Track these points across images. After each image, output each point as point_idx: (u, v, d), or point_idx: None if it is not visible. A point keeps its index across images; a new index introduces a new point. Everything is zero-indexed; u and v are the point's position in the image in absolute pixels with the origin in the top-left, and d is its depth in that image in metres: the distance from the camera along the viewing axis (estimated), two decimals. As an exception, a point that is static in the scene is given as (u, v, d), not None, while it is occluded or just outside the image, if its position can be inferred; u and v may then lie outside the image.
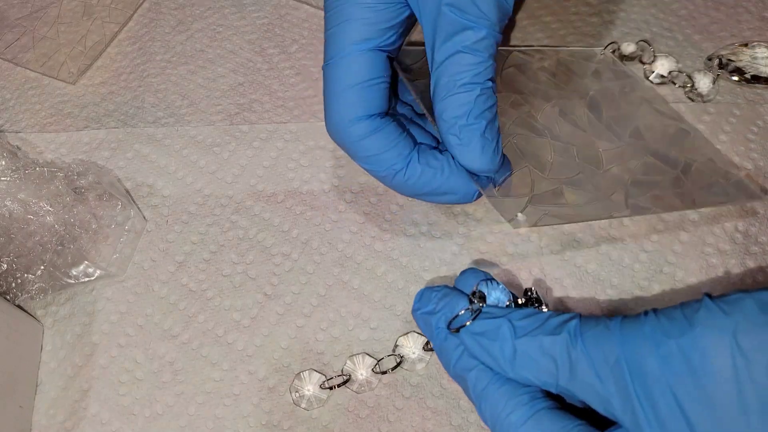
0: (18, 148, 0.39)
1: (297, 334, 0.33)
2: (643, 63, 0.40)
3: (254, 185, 0.37)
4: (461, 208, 0.35)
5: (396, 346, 0.31)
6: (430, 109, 0.30)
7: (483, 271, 0.29)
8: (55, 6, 0.45)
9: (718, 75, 0.38)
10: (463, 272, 0.30)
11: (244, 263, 0.35)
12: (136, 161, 0.38)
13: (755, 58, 0.39)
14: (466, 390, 0.27)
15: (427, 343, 0.31)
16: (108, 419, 0.31)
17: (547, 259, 0.34)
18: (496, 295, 0.28)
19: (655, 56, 0.40)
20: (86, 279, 0.34)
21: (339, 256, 0.35)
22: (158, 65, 0.42)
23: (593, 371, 0.23)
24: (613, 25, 0.42)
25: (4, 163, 0.34)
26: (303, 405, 0.30)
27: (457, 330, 0.27)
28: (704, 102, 0.38)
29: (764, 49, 0.39)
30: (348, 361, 0.31)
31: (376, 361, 0.31)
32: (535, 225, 0.30)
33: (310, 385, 0.31)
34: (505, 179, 0.31)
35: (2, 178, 0.33)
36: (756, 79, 0.38)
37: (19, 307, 0.33)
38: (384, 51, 0.30)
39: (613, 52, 0.40)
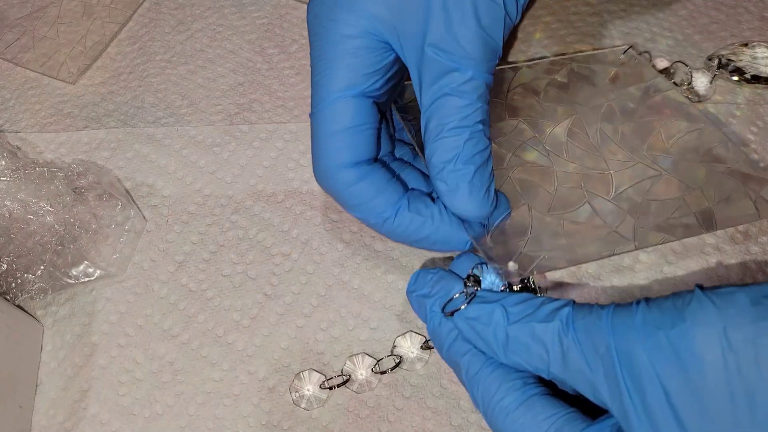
0: (18, 148, 0.39)
1: (297, 334, 0.33)
2: (676, 84, 0.38)
3: (254, 185, 0.37)
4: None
5: (394, 346, 0.31)
6: (423, 151, 0.29)
7: (479, 256, 0.29)
8: (55, 6, 0.45)
9: (716, 75, 0.38)
10: (459, 256, 0.30)
11: (243, 263, 0.35)
12: (135, 161, 0.38)
13: (755, 58, 0.39)
14: (458, 374, 0.27)
15: (426, 342, 0.31)
16: (108, 419, 0.31)
17: (547, 259, 0.34)
18: (491, 279, 0.28)
19: (691, 76, 0.38)
20: (86, 279, 0.34)
21: (339, 256, 0.35)
22: (158, 65, 0.42)
23: (584, 359, 0.23)
24: (613, 25, 0.42)
25: (3, 163, 0.34)
26: (303, 405, 0.30)
27: (452, 314, 0.27)
28: (700, 101, 0.38)
29: (764, 49, 0.39)
30: (348, 361, 0.31)
31: (375, 361, 0.31)
32: (528, 275, 0.28)
33: (310, 385, 0.31)
34: (500, 222, 0.30)
35: (2, 178, 0.33)
36: (756, 79, 0.38)
37: (18, 307, 0.33)
38: (370, 97, 0.29)
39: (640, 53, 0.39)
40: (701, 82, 0.38)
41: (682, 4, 0.43)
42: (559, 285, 0.33)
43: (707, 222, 0.30)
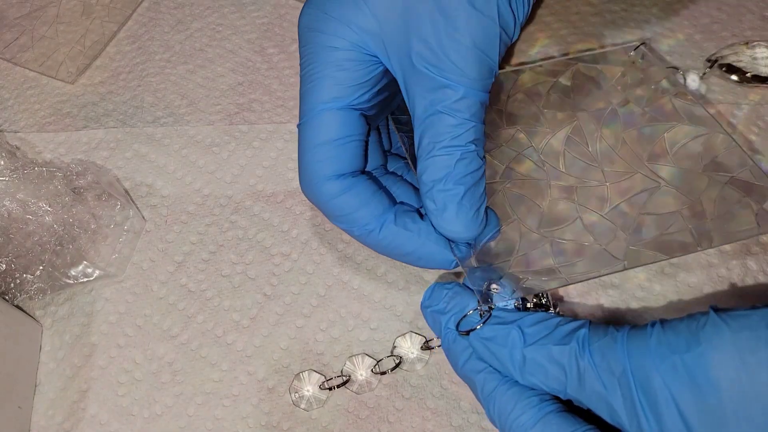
0: (17, 147, 0.39)
1: (296, 334, 0.32)
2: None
3: (254, 185, 0.37)
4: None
5: (394, 347, 0.31)
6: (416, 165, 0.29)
7: (494, 270, 0.29)
8: (54, 5, 0.45)
9: (704, 73, 0.38)
10: (473, 269, 0.29)
11: (243, 263, 0.35)
12: (135, 161, 0.38)
13: (755, 58, 0.39)
14: (474, 391, 0.27)
15: (425, 342, 0.31)
16: (107, 420, 0.31)
17: (547, 259, 0.34)
18: (508, 291, 0.28)
19: (684, 77, 0.37)
20: (85, 279, 0.34)
21: (339, 256, 0.34)
22: (157, 65, 0.42)
23: (600, 381, 0.24)
24: (614, 25, 0.42)
25: (2, 162, 0.34)
26: (302, 406, 0.30)
27: (467, 333, 0.27)
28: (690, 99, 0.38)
29: (764, 49, 0.39)
30: (348, 362, 0.31)
31: (375, 362, 0.31)
32: (511, 298, 0.28)
33: (309, 386, 0.31)
34: (487, 241, 0.29)
35: (1, 178, 0.33)
36: (756, 79, 0.38)
37: (18, 307, 0.33)
38: (357, 109, 0.29)
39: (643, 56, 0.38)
40: (691, 78, 0.38)
41: (683, 4, 0.43)
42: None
43: (704, 238, 0.30)
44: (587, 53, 0.38)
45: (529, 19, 0.43)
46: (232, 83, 0.41)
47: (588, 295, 0.32)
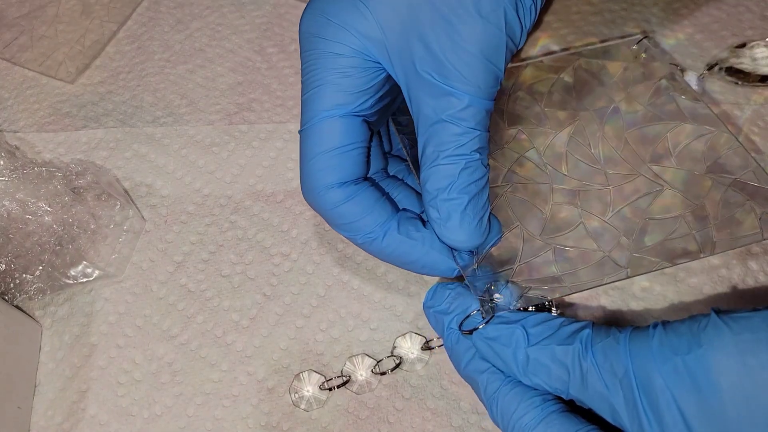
0: (16, 147, 0.39)
1: (296, 334, 0.32)
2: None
3: (253, 185, 0.37)
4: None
5: (394, 347, 0.31)
6: (418, 169, 0.28)
7: (496, 278, 0.29)
8: (54, 5, 0.45)
9: (702, 75, 0.38)
10: (475, 278, 0.29)
11: (243, 263, 0.35)
12: (134, 161, 0.38)
13: (755, 58, 0.39)
14: (477, 391, 0.27)
15: (426, 343, 0.31)
16: (106, 420, 0.31)
17: (547, 259, 0.33)
18: (507, 297, 0.28)
19: (682, 75, 0.36)
20: (85, 279, 0.34)
21: (339, 256, 0.34)
22: (157, 64, 0.42)
23: (602, 382, 0.24)
24: (614, 25, 0.42)
25: (2, 162, 0.34)
26: (302, 406, 0.30)
27: (470, 332, 0.27)
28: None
29: (764, 49, 0.39)
30: (348, 362, 0.31)
31: (375, 362, 0.31)
32: (513, 307, 0.28)
33: (309, 386, 0.31)
34: (490, 248, 0.29)
35: (0, 178, 0.33)
36: (759, 79, 0.38)
37: (17, 307, 0.33)
38: (359, 116, 0.28)
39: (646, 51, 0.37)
40: (689, 76, 0.37)
41: (683, 3, 0.43)
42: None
43: (707, 244, 0.30)
44: (589, 48, 0.38)
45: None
46: (232, 83, 0.41)
47: (589, 296, 0.32)
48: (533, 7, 0.27)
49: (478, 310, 0.28)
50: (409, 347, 0.31)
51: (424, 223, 0.29)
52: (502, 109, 0.35)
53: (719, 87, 0.39)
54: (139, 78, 0.42)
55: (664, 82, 0.36)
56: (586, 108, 0.35)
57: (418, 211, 0.30)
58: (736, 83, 0.38)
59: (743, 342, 0.21)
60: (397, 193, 0.31)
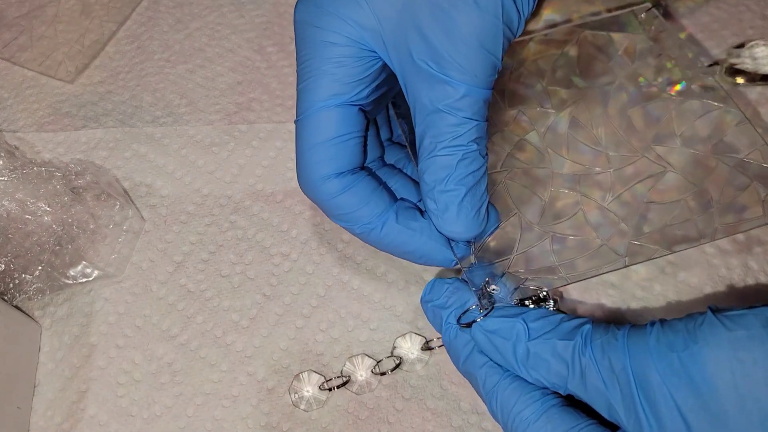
0: (16, 147, 0.39)
1: (296, 335, 0.32)
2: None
3: (253, 185, 0.37)
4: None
5: (394, 347, 0.31)
6: (417, 157, 0.28)
7: (493, 269, 0.29)
8: (53, 5, 0.45)
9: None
10: (472, 269, 0.29)
11: (242, 263, 0.34)
12: (134, 161, 0.38)
13: (755, 57, 0.39)
14: (476, 386, 0.27)
15: (426, 343, 0.31)
16: (106, 421, 0.31)
17: (547, 259, 0.33)
18: (504, 291, 0.28)
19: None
20: (84, 279, 0.34)
21: (339, 256, 0.34)
22: (156, 64, 0.42)
23: (600, 378, 0.24)
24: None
25: (1, 162, 0.34)
26: (302, 406, 0.30)
27: (469, 325, 0.27)
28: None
29: (764, 48, 0.39)
30: (347, 362, 0.31)
31: (375, 362, 0.31)
32: (510, 299, 0.28)
33: (309, 387, 0.31)
34: (487, 236, 0.29)
35: (0, 178, 0.33)
36: (757, 78, 0.38)
37: (16, 307, 0.33)
38: (355, 105, 0.28)
39: (656, 17, 0.35)
40: None
41: (684, 3, 0.42)
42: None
43: (708, 230, 0.29)
44: (595, 18, 0.36)
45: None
46: (232, 82, 0.41)
47: (588, 294, 0.32)
48: None
49: (476, 305, 0.27)
50: (409, 347, 0.31)
51: (422, 212, 0.29)
52: (502, 89, 0.34)
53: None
54: (139, 78, 0.42)
55: (671, 53, 0.34)
56: (590, 86, 0.34)
57: (415, 200, 0.30)
58: (737, 83, 0.38)
59: (737, 339, 0.22)
60: (395, 181, 0.31)
